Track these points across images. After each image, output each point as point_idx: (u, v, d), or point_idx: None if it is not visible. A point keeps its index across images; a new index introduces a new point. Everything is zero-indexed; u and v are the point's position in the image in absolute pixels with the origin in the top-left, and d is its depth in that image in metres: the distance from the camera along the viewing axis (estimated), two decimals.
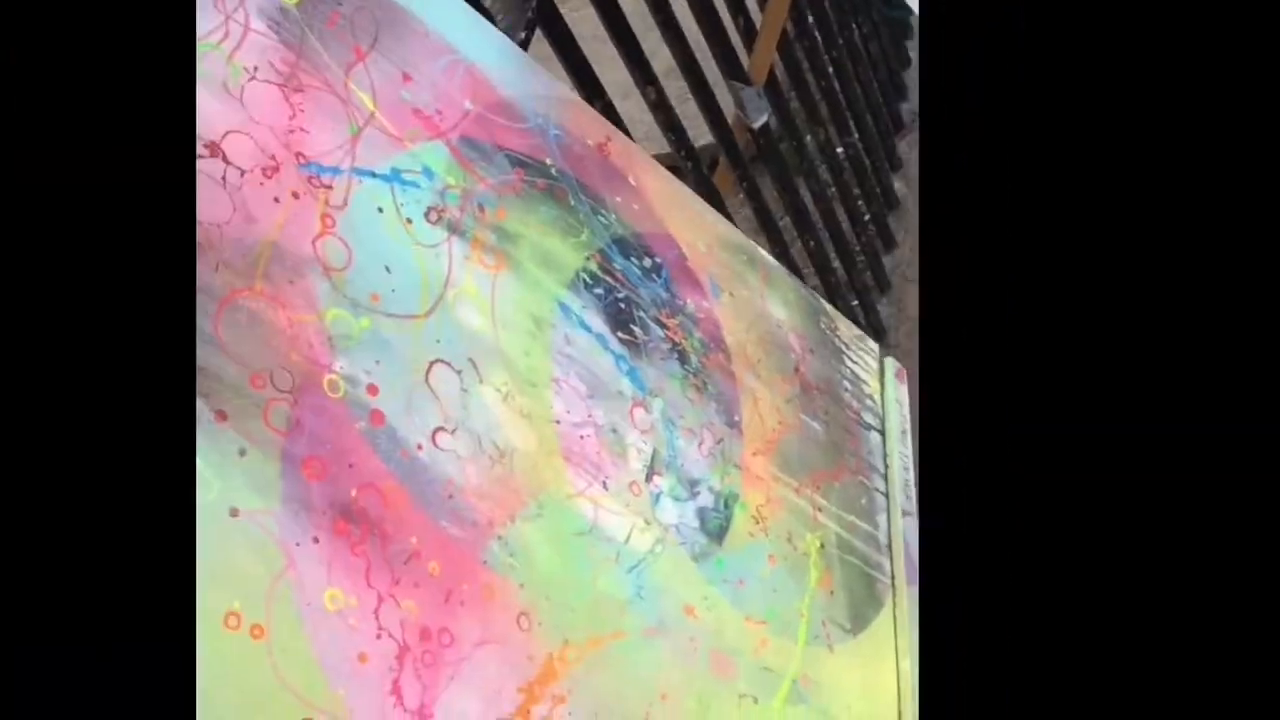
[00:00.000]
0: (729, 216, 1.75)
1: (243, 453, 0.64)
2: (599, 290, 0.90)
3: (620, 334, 0.91)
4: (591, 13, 1.68)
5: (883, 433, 1.25)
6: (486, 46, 0.90)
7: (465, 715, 0.70)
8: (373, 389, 0.72)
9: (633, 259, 0.95)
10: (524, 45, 1.16)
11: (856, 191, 2.66)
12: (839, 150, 2.60)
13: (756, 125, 2.13)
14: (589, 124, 0.95)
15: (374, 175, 0.76)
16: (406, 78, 0.80)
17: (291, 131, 0.73)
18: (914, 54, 3.25)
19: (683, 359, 0.97)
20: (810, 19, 2.44)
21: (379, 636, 0.67)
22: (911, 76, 3.19)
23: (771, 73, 2.27)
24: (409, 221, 0.78)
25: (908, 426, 1.29)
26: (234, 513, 0.63)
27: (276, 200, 0.71)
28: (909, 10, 3.07)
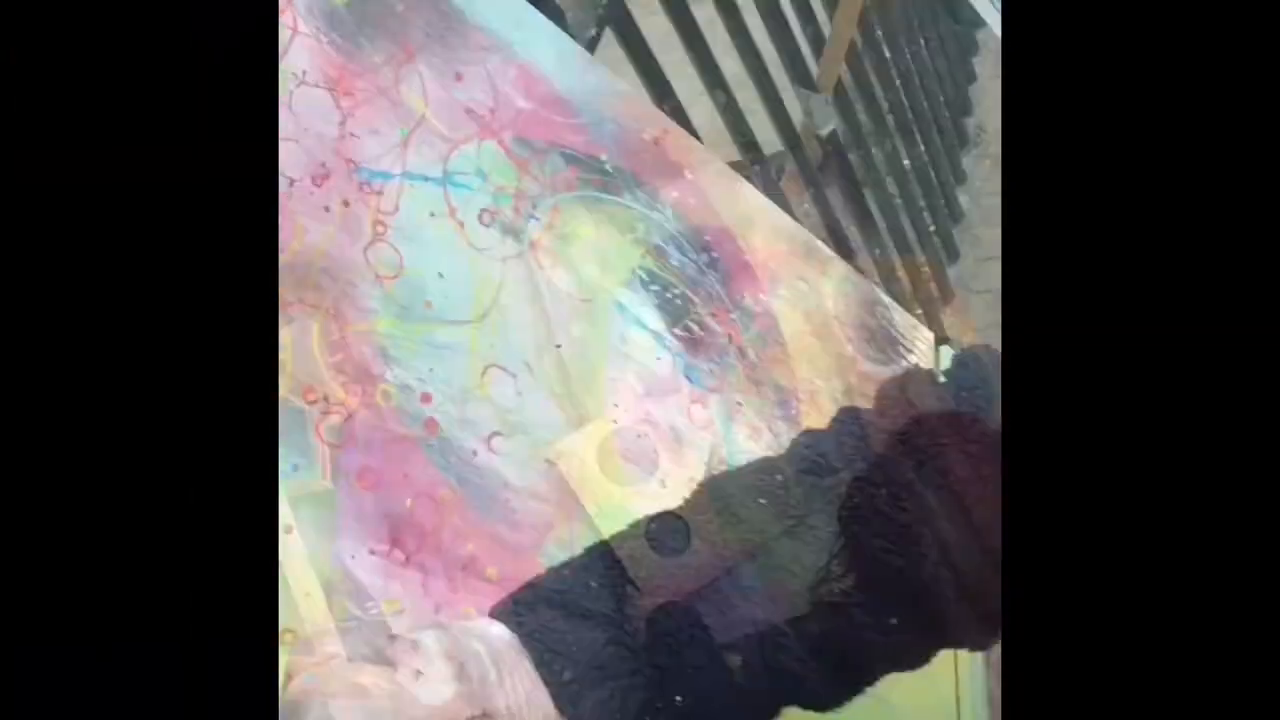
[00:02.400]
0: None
1: (295, 468, 0.60)
2: (655, 287, 0.85)
3: (677, 330, 0.85)
4: (662, 19, 1.62)
5: None
6: (541, 41, 0.84)
7: None
8: (426, 397, 0.67)
9: (689, 254, 0.90)
10: (592, 46, 1.08)
11: (922, 204, 2.58)
12: (905, 162, 2.52)
13: (824, 132, 2.08)
14: (645, 118, 0.89)
15: (425, 179, 0.71)
16: (459, 76, 0.75)
17: (342, 138, 0.68)
18: (979, 69, 3.16)
19: (740, 354, 0.92)
20: (879, 31, 2.37)
21: None
22: (976, 92, 3.11)
23: (840, 82, 2.20)
24: (461, 225, 0.72)
25: None
26: (287, 529, 0.59)
27: (327, 209, 0.66)
28: (976, 25, 2.97)
